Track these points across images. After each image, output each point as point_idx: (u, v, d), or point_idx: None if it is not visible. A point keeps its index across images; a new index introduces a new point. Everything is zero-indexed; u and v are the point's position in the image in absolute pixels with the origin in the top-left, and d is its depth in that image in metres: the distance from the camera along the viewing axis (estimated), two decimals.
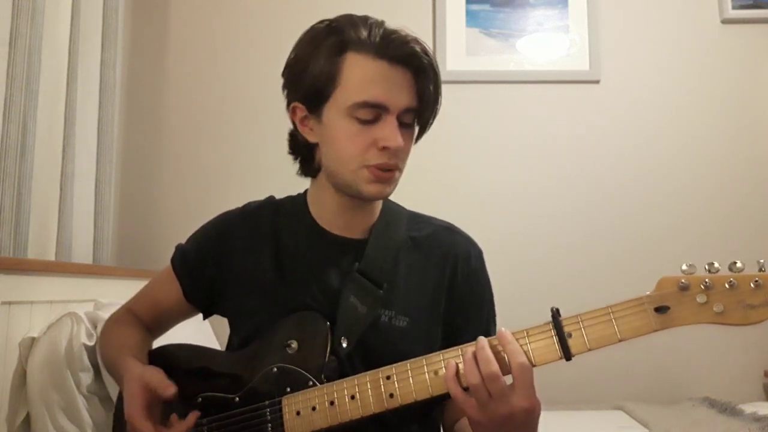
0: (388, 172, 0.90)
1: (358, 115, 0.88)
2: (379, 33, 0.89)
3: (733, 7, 2.28)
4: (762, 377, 2.14)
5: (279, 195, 1.09)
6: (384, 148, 0.88)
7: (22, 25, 1.53)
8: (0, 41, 1.51)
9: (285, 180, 1.07)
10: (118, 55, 2.04)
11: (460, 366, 0.79)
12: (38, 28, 1.58)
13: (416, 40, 0.90)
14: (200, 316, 1.11)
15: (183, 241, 1.10)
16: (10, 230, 1.47)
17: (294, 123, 0.97)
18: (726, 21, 2.29)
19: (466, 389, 0.77)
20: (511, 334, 0.78)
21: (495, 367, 0.75)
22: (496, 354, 0.76)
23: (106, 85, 1.98)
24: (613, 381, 2.11)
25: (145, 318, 1.10)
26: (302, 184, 1.07)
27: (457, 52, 2.27)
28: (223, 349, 1.07)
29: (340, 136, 0.89)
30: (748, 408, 1.72)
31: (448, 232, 1.06)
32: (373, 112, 0.88)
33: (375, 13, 0.95)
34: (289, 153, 1.01)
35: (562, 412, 1.87)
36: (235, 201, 1.10)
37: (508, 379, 0.76)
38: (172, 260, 1.07)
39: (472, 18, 2.30)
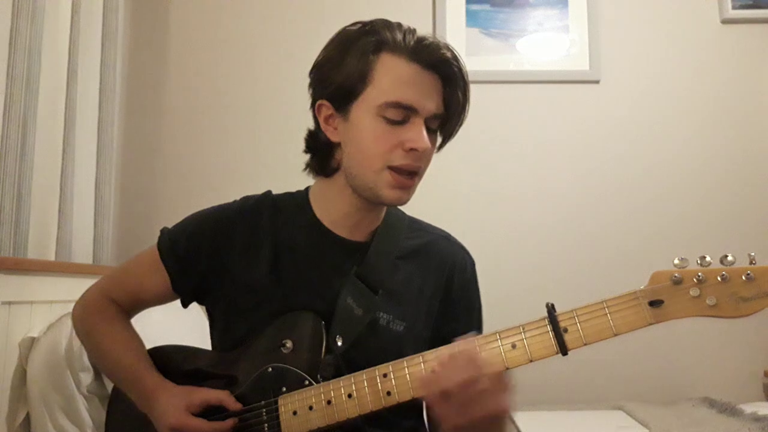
0: (410, 178, 0.91)
1: (387, 114, 0.88)
2: (413, 38, 0.90)
3: (733, 7, 2.28)
4: (762, 377, 2.13)
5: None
6: (411, 150, 0.88)
7: (22, 25, 1.53)
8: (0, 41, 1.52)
9: (285, 180, 1.07)
10: (118, 55, 2.04)
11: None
12: (38, 28, 1.59)
13: (448, 47, 0.92)
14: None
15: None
16: (10, 230, 1.48)
17: (317, 121, 0.97)
18: (726, 21, 2.28)
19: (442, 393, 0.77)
20: (474, 342, 0.78)
21: (470, 373, 0.74)
22: (473, 359, 0.76)
23: (106, 85, 1.98)
24: (613, 381, 2.11)
25: (123, 304, 1.06)
26: (303, 183, 1.06)
27: (458, 52, 2.27)
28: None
29: (366, 134, 0.89)
30: (748, 408, 1.72)
31: (445, 241, 1.07)
32: (402, 113, 0.88)
33: (375, 14, 0.95)
34: (306, 151, 1.00)
35: (562, 412, 1.87)
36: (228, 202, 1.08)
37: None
38: (160, 248, 1.02)
39: (472, 18, 2.30)
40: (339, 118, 0.93)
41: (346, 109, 0.91)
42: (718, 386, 2.07)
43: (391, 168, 0.89)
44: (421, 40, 0.90)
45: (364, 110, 0.89)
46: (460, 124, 0.96)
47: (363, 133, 0.90)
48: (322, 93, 0.94)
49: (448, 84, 0.92)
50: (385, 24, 0.91)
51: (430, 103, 0.89)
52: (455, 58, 0.92)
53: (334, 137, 0.94)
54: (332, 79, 0.91)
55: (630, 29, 2.31)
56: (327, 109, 0.94)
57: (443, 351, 0.79)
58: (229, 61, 2.31)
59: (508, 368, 0.78)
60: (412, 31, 0.91)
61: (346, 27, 0.94)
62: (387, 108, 0.88)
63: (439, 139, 0.97)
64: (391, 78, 0.88)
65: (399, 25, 0.92)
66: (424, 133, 0.89)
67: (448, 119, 0.93)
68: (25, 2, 1.54)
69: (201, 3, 2.34)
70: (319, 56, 0.95)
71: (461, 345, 0.78)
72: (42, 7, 1.60)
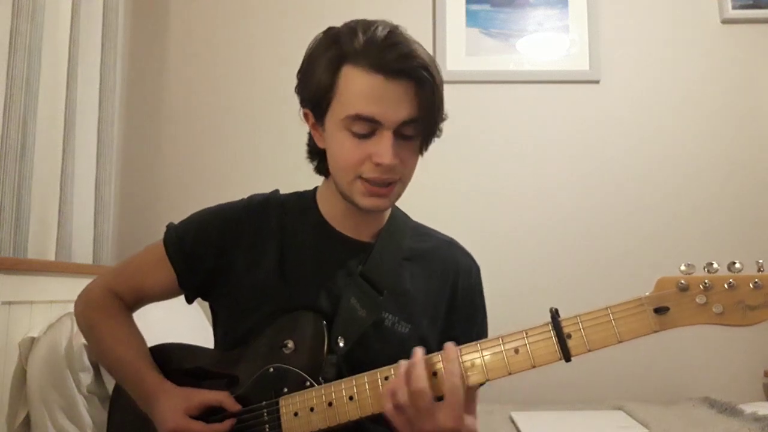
0: (384, 186, 0.90)
1: (352, 128, 0.87)
2: (377, 43, 0.86)
3: (733, 7, 2.27)
4: (762, 377, 2.13)
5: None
6: (378, 164, 0.87)
7: (22, 25, 1.53)
8: None
9: (286, 179, 1.07)
10: (118, 55, 2.04)
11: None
12: (38, 28, 1.59)
13: (415, 54, 0.86)
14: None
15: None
16: (10, 230, 1.48)
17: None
18: (726, 21, 2.28)
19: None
20: (456, 350, 0.79)
21: (422, 384, 0.76)
22: (434, 370, 0.78)
23: (106, 85, 1.98)
24: (613, 381, 2.11)
25: (127, 299, 1.05)
26: (303, 183, 1.06)
27: (457, 52, 2.27)
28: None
29: (337, 146, 0.90)
30: (748, 408, 1.72)
31: (450, 246, 1.07)
32: (367, 126, 0.87)
33: (375, 14, 0.95)
34: (307, 150, 1.01)
35: (562, 412, 1.87)
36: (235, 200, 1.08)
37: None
38: (166, 244, 1.02)
39: (472, 18, 2.30)
40: (320, 126, 0.94)
41: (322, 120, 0.93)
42: (718, 386, 2.07)
43: (363, 179, 0.89)
44: (384, 48, 0.85)
45: (333, 123, 0.90)
46: (438, 125, 0.93)
47: (334, 145, 0.91)
48: (303, 102, 0.96)
49: (420, 87, 0.87)
50: (350, 30, 0.88)
51: (397, 112, 0.86)
52: (424, 65, 0.86)
53: (320, 143, 0.96)
54: (307, 91, 0.93)
55: (630, 29, 2.30)
56: (310, 117, 0.95)
57: (401, 363, 0.79)
58: (228, 61, 2.31)
59: (534, 366, 0.77)
60: (388, 30, 0.87)
61: (325, 30, 0.93)
62: (351, 122, 0.87)
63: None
64: (353, 91, 0.86)
65: (365, 28, 0.88)
66: (390, 147, 0.86)
67: (424, 122, 0.89)
68: (25, 2, 1.54)
69: (201, 3, 2.34)
70: (303, 59, 0.95)
71: (419, 357, 0.78)
72: (42, 7, 1.60)
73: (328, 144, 0.93)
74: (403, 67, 0.86)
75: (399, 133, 0.88)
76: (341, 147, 0.89)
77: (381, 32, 0.87)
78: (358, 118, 0.86)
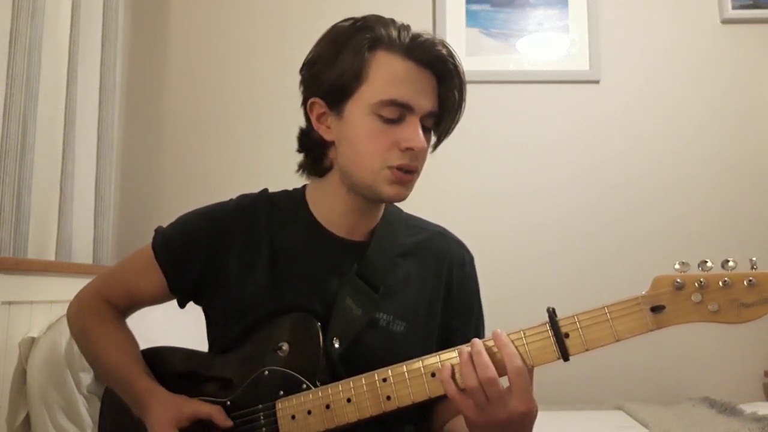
0: (409, 174, 0.89)
1: (382, 113, 0.86)
2: (408, 34, 0.88)
3: (733, 7, 2.27)
4: (762, 377, 2.13)
5: None
6: (407, 149, 0.87)
7: (22, 25, 1.53)
8: None
9: (285, 180, 1.07)
10: (118, 55, 2.04)
11: (456, 367, 0.78)
12: (38, 28, 1.59)
13: (443, 44, 0.90)
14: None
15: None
16: (10, 230, 1.48)
17: (309, 120, 0.95)
18: (726, 21, 2.28)
19: (463, 390, 0.77)
20: (506, 335, 0.77)
21: (492, 372, 0.75)
22: (492, 356, 0.76)
23: (105, 85, 1.98)
24: (613, 381, 2.11)
25: (119, 304, 1.04)
26: (302, 183, 1.05)
27: (457, 52, 2.27)
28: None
29: (362, 134, 0.88)
30: (748, 408, 1.72)
31: (442, 237, 1.05)
32: (398, 111, 0.87)
33: (375, 13, 0.94)
34: (299, 150, 0.98)
35: (562, 412, 1.87)
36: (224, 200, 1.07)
37: (505, 381, 0.76)
38: (155, 248, 1.00)
39: (472, 18, 2.30)
40: (332, 116, 0.91)
41: (339, 108, 0.90)
42: (718, 386, 2.07)
43: (390, 168, 0.88)
44: (416, 37, 0.88)
45: (359, 108, 0.88)
46: (456, 123, 0.94)
47: (358, 132, 0.88)
48: (314, 91, 0.92)
49: (444, 82, 0.90)
50: (379, 20, 0.90)
51: (425, 101, 0.88)
52: (450, 55, 0.90)
53: (327, 136, 0.93)
54: (325, 77, 0.90)
55: (630, 29, 2.30)
56: (320, 107, 0.92)
57: (462, 349, 0.78)
58: (228, 60, 2.31)
59: (532, 366, 0.77)
60: (407, 28, 0.90)
61: (337, 23, 0.93)
62: (382, 106, 0.86)
63: (434, 138, 0.95)
64: (387, 75, 0.86)
65: (392, 21, 0.90)
66: (420, 131, 0.87)
67: (443, 117, 0.92)
68: (25, 2, 1.54)
69: (201, 3, 2.34)
70: (310, 53, 0.94)
71: (481, 343, 0.77)
72: (42, 7, 1.60)
73: (345, 133, 0.90)
74: (432, 57, 0.88)
75: (421, 123, 0.88)
76: (367, 133, 0.87)
77: (406, 26, 0.90)
78: (393, 103, 0.86)
